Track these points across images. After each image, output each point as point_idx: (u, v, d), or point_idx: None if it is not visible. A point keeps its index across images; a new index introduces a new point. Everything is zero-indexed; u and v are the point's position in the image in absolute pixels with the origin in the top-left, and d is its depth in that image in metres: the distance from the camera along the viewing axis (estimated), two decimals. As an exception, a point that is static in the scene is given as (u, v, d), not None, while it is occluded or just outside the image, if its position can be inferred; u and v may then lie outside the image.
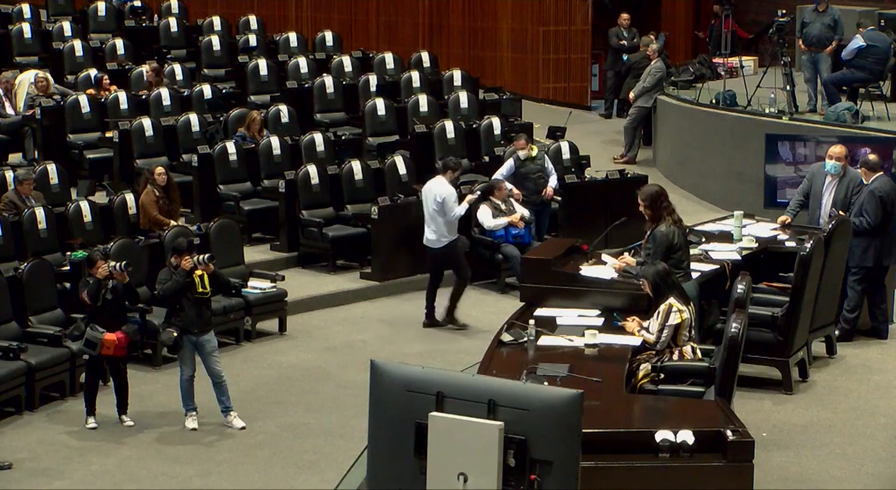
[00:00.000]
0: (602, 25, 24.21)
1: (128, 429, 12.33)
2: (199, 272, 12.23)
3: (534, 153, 16.85)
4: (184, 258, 12.21)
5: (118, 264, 12.31)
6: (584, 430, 6.49)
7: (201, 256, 12.32)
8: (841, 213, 13.74)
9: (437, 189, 15.03)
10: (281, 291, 14.94)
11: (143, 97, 18.99)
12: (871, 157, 14.40)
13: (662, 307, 10.66)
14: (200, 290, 12.23)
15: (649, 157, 21.34)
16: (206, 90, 19.36)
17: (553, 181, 16.91)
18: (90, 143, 18.31)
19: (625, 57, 23.12)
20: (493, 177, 16.79)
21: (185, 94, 19.39)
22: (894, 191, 13.94)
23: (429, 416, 6.50)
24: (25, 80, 19.12)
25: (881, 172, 14.10)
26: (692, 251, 12.63)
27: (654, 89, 21.14)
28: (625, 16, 23.60)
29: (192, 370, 12.28)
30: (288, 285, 15.11)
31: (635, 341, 10.74)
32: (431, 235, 15.03)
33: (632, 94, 21.37)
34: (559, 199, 16.97)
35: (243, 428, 12.32)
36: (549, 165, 17.04)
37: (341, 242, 16.45)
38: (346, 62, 21.05)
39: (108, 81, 19.06)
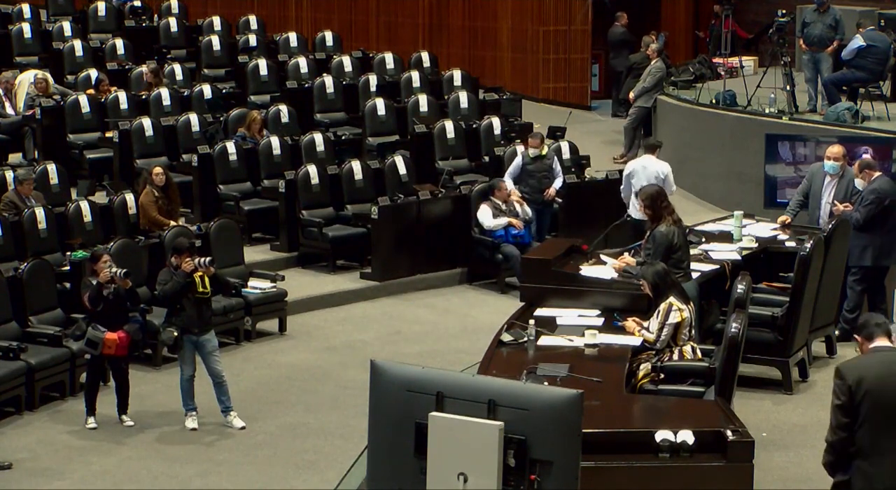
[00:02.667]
0: (602, 25, 24.18)
1: (128, 429, 12.33)
2: (199, 272, 12.23)
3: (544, 152, 16.84)
4: (184, 260, 12.19)
5: (119, 271, 12.29)
6: (584, 430, 6.49)
7: (202, 259, 12.28)
8: (838, 203, 13.76)
9: (658, 166, 15.40)
10: (281, 291, 14.93)
11: (143, 97, 18.99)
12: (867, 157, 14.46)
13: (662, 306, 10.67)
14: (201, 289, 12.21)
15: (649, 157, 21.30)
16: (206, 90, 19.35)
17: (558, 183, 16.87)
18: (90, 143, 18.30)
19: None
20: (506, 175, 16.76)
21: (185, 94, 19.38)
22: (894, 190, 13.93)
23: (429, 416, 6.50)
24: (25, 80, 19.10)
25: (880, 172, 14.11)
26: (692, 251, 12.64)
27: (654, 89, 21.13)
28: (625, 17, 23.53)
29: (193, 370, 12.27)
30: (288, 285, 15.11)
31: (635, 341, 10.74)
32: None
33: (632, 94, 21.36)
34: (560, 200, 16.94)
35: (243, 428, 12.31)
36: (558, 167, 16.98)
37: (341, 242, 16.44)
38: (346, 62, 21.04)
39: (106, 85, 19.04)
